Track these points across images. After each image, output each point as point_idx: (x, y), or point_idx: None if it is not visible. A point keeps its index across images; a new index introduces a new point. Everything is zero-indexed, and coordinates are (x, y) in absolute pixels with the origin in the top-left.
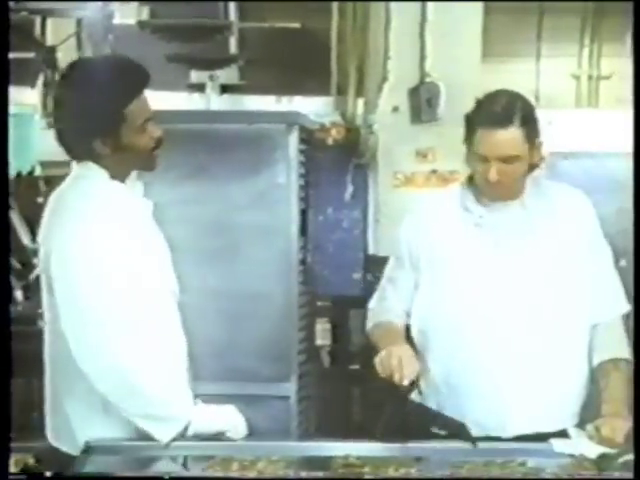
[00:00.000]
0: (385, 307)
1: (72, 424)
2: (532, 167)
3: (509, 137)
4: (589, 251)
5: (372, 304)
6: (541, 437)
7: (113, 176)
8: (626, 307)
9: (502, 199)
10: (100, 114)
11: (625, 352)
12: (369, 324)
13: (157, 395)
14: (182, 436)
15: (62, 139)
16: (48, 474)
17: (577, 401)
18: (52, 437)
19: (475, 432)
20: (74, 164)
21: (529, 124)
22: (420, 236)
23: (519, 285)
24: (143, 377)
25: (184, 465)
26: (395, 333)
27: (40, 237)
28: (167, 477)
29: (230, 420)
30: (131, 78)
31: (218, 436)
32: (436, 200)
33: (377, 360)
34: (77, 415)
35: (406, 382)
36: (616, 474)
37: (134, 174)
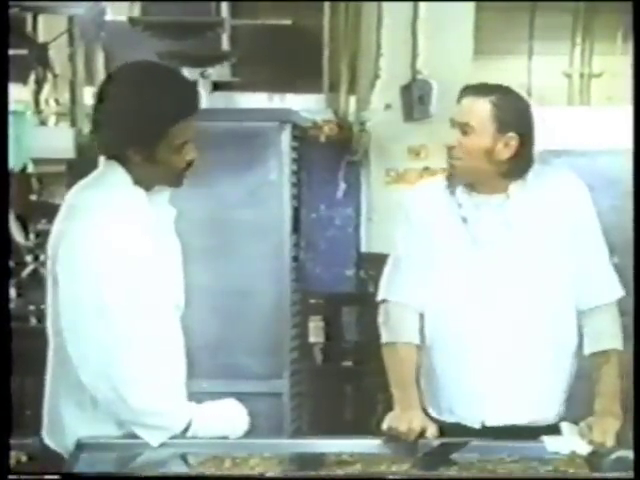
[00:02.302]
0: (403, 279)
1: (64, 422)
2: (499, 165)
3: (473, 105)
4: (581, 236)
5: (386, 288)
6: (521, 429)
7: (137, 182)
8: (620, 292)
9: (466, 183)
10: (143, 126)
11: (618, 342)
12: (385, 334)
13: (147, 406)
14: (180, 437)
15: (96, 133)
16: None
17: (560, 393)
18: (45, 434)
19: (448, 419)
20: (101, 160)
21: (504, 111)
22: (413, 225)
23: (499, 279)
24: (134, 388)
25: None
26: (408, 372)
27: (53, 232)
28: (166, 477)
29: (231, 421)
30: (186, 100)
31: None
32: (426, 191)
33: (389, 418)
34: (69, 413)
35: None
36: (616, 474)
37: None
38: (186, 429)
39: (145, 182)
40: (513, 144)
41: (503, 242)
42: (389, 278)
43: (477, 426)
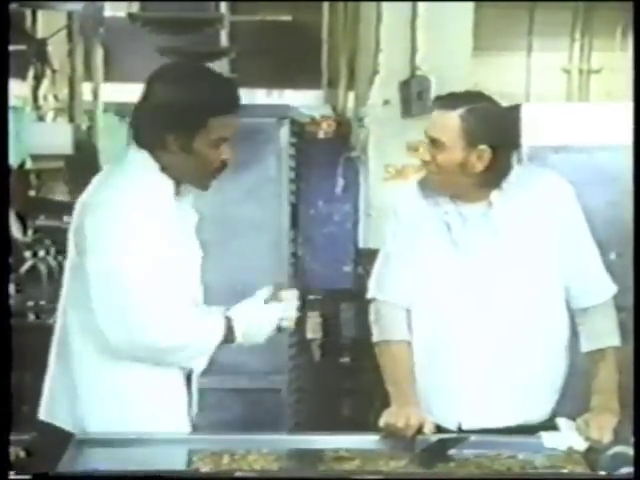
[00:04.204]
0: (393, 277)
1: (77, 400)
2: (475, 177)
3: (442, 119)
4: (569, 236)
5: (375, 286)
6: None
7: (163, 170)
8: (613, 289)
9: (443, 194)
10: (185, 114)
11: (614, 339)
12: (377, 333)
13: (177, 341)
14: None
15: (136, 122)
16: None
17: (549, 394)
18: (47, 414)
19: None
20: (130, 149)
21: (473, 125)
22: (401, 222)
23: (482, 284)
24: (163, 329)
25: None
26: (403, 369)
27: (77, 210)
28: (166, 476)
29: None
30: (228, 96)
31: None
32: (415, 189)
33: (386, 414)
34: (84, 391)
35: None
36: (615, 472)
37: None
38: (229, 338)
39: (174, 174)
40: (486, 156)
41: (487, 248)
42: (378, 276)
43: (453, 428)
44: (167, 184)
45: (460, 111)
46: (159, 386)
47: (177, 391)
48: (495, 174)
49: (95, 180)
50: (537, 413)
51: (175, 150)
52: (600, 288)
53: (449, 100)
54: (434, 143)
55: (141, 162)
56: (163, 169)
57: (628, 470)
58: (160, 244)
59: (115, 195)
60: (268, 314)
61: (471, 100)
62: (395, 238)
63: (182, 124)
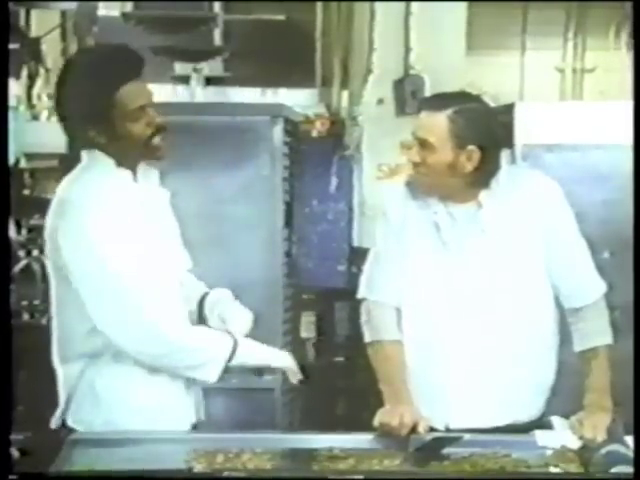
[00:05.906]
0: (383, 277)
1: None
2: (464, 177)
3: (430, 120)
4: (557, 236)
5: (366, 286)
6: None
7: (120, 164)
8: (603, 288)
9: (432, 195)
10: (90, 101)
11: (606, 338)
12: (368, 334)
13: (193, 345)
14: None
15: (65, 129)
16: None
17: (538, 394)
18: (71, 417)
19: None
20: (83, 153)
21: (461, 126)
22: (390, 221)
23: (470, 284)
24: (176, 335)
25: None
26: (396, 368)
27: (48, 225)
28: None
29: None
30: (121, 64)
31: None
32: (404, 188)
33: (380, 413)
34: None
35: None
36: (609, 471)
37: (146, 164)
38: (231, 357)
39: (127, 161)
40: (475, 157)
41: (476, 248)
42: (369, 276)
43: (441, 428)
44: (124, 175)
45: (448, 112)
46: (156, 389)
47: (177, 395)
48: (484, 174)
49: (63, 182)
50: (526, 413)
51: (104, 142)
52: (590, 288)
53: (436, 101)
54: (423, 144)
55: (96, 161)
56: (118, 164)
57: (627, 470)
58: (131, 237)
59: (82, 196)
60: (265, 356)
61: (458, 101)
62: (385, 238)
63: (92, 114)
